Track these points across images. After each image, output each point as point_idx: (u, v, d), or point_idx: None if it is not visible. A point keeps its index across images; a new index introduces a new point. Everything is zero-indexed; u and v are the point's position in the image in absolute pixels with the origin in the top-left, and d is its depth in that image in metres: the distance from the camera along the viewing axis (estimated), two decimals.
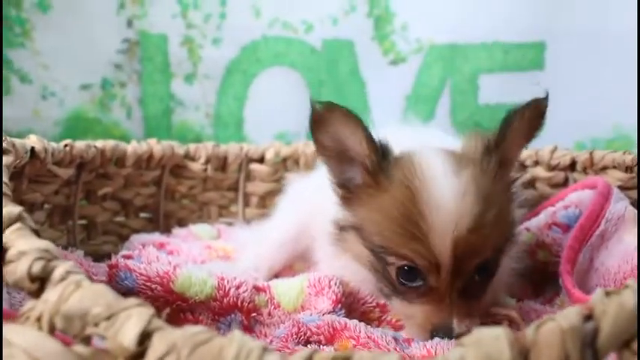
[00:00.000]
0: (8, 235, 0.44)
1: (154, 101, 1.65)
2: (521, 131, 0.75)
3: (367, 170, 0.74)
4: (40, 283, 0.41)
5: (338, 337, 0.66)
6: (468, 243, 0.67)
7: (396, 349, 0.64)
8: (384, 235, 0.71)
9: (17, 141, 0.79)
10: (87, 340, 0.39)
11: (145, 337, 0.36)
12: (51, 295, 0.40)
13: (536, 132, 0.77)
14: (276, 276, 0.95)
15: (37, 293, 0.41)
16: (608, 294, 0.39)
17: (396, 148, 0.76)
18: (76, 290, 0.39)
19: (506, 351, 0.34)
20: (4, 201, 0.51)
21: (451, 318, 0.69)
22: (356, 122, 0.73)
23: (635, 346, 0.37)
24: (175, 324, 0.70)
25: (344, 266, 0.81)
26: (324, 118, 0.73)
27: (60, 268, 0.41)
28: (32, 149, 0.82)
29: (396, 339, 0.67)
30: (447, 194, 0.68)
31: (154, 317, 0.38)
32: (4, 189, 0.55)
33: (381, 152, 0.74)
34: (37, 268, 0.41)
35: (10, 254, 0.42)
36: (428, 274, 0.70)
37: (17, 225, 0.45)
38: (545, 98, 0.76)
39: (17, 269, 0.41)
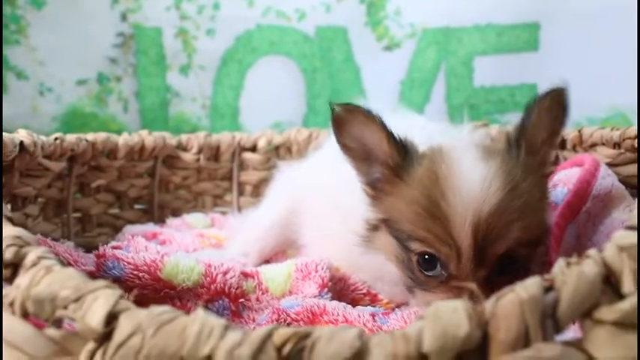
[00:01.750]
0: None
1: (150, 94, 1.66)
2: (543, 122, 0.73)
3: (390, 168, 0.74)
4: (13, 268, 0.42)
5: (317, 321, 0.67)
6: (490, 229, 0.66)
7: (373, 326, 0.64)
8: (408, 218, 0.70)
9: (6, 135, 0.80)
10: (58, 324, 0.40)
11: (111, 318, 0.37)
12: (23, 280, 0.40)
13: (561, 122, 0.73)
14: (268, 262, 0.95)
15: (10, 279, 0.42)
16: (569, 264, 0.39)
17: None
18: (47, 275, 0.40)
19: (464, 323, 0.35)
20: None
21: None
22: (376, 122, 0.72)
23: (597, 315, 0.37)
24: None
25: (334, 252, 0.82)
26: (345, 119, 0.73)
27: (32, 254, 0.42)
28: (21, 143, 0.83)
29: (374, 314, 0.67)
30: (470, 177, 0.67)
31: (120, 298, 0.38)
32: None
33: (403, 150, 0.73)
34: (9, 254, 0.42)
35: None
36: (448, 261, 0.68)
37: None
38: (564, 88, 0.72)
39: None
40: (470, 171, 0.68)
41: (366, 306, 0.78)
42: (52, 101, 1.62)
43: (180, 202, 1.26)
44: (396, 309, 0.76)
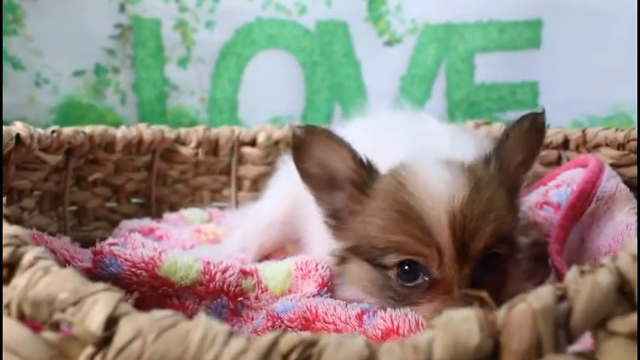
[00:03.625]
0: None
1: (147, 86, 1.65)
2: (519, 145, 0.74)
3: (357, 186, 0.73)
4: (9, 269, 0.41)
5: (310, 327, 0.66)
6: (466, 221, 0.66)
7: (359, 331, 0.63)
8: (381, 229, 0.69)
9: (2, 128, 0.79)
10: (56, 326, 0.38)
11: (111, 322, 0.36)
12: (19, 281, 0.39)
13: (538, 146, 0.76)
14: (267, 258, 0.94)
15: (7, 280, 0.41)
16: (582, 273, 0.38)
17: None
18: (44, 276, 0.39)
19: (475, 333, 0.34)
20: None
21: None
22: (338, 141, 0.72)
23: (610, 326, 0.36)
24: (161, 309, 0.71)
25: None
26: (307, 142, 0.72)
27: (28, 254, 0.41)
28: (17, 136, 0.82)
29: (363, 312, 0.66)
30: (436, 177, 0.68)
31: (120, 302, 0.37)
32: None
33: (368, 167, 0.73)
34: (6, 254, 0.41)
35: None
36: (430, 264, 0.67)
37: None
38: (543, 113, 0.74)
39: None
40: (435, 172, 0.69)
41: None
42: (49, 92, 1.61)
43: (177, 196, 1.25)
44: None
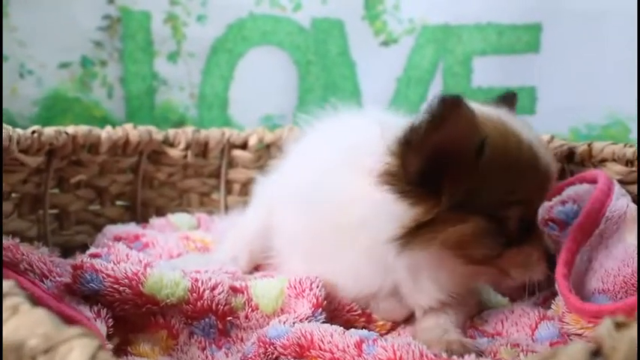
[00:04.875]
0: None
1: (136, 80, 1.61)
2: None
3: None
4: None
5: (305, 355, 0.62)
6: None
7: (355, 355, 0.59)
8: (502, 185, 0.72)
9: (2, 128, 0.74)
10: None
11: None
12: None
13: None
14: (256, 269, 0.90)
15: None
16: (618, 326, 0.34)
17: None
18: (12, 316, 0.34)
19: None
20: None
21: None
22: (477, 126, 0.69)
23: None
24: (146, 328, 0.67)
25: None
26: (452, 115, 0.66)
27: None
28: None
29: (362, 341, 0.61)
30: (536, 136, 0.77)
31: (99, 350, 0.33)
32: None
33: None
34: None
35: None
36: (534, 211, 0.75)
37: None
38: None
39: None
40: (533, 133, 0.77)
41: (361, 327, 0.73)
42: (33, 84, 1.56)
43: (164, 199, 1.20)
44: (388, 335, 0.72)
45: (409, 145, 0.68)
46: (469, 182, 0.70)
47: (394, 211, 0.70)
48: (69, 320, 0.57)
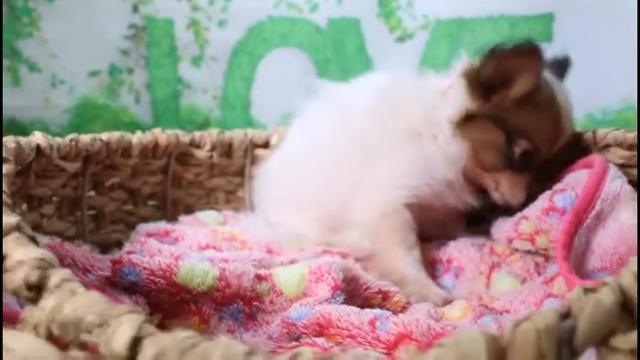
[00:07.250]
0: (6, 244, 0.46)
1: (161, 85, 1.67)
2: None
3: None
4: (36, 290, 0.43)
5: (325, 333, 0.68)
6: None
7: (372, 339, 0.65)
8: (529, 122, 0.93)
9: (22, 139, 0.81)
10: (83, 345, 0.40)
11: (135, 343, 0.38)
12: (47, 303, 0.41)
13: None
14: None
15: (34, 300, 0.43)
16: (586, 291, 0.39)
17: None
18: (71, 298, 0.41)
19: (482, 352, 0.35)
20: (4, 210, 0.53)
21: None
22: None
23: (613, 342, 0.38)
24: (179, 314, 0.73)
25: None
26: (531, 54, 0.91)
27: (55, 277, 0.42)
28: (38, 146, 0.84)
29: (376, 319, 0.67)
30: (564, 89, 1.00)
31: (144, 323, 0.39)
32: (4, 198, 0.56)
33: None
34: (33, 276, 0.43)
35: (9, 263, 0.44)
36: (537, 155, 0.95)
37: (15, 234, 0.47)
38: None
39: (15, 278, 0.43)
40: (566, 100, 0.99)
41: (378, 305, 0.80)
42: (64, 93, 1.64)
43: (192, 198, 1.26)
44: (401, 314, 0.77)
45: (494, 53, 0.92)
46: (509, 105, 0.93)
47: (459, 98, 0.97)
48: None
